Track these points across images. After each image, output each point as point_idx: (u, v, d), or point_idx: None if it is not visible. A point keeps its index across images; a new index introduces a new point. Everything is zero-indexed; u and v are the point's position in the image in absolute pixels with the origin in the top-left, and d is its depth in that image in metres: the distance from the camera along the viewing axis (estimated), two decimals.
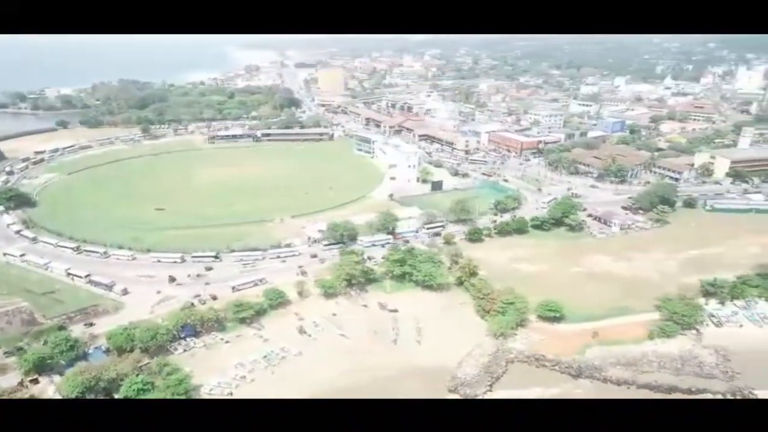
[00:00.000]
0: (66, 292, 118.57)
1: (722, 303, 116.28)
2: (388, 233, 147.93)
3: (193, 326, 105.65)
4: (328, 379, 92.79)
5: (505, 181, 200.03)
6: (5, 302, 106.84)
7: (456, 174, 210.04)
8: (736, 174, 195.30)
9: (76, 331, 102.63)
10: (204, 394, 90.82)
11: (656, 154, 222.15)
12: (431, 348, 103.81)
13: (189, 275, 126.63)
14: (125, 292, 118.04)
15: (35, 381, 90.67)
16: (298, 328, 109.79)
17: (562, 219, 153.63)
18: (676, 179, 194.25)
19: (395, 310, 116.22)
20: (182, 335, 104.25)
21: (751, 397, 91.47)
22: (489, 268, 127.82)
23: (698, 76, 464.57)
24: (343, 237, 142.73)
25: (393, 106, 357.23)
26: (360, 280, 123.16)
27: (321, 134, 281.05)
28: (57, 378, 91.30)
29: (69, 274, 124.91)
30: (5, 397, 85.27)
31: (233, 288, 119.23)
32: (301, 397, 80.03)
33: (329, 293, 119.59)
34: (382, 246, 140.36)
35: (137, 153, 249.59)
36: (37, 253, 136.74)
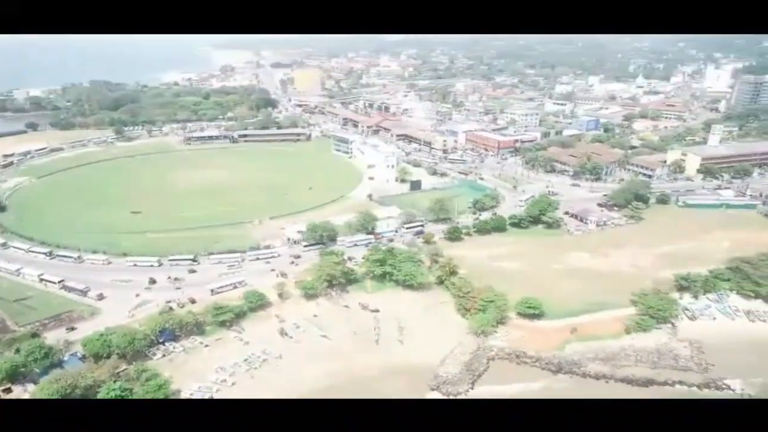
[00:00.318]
0: (39, 298, 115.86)
1: (696, 297, 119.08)
2: (368, 233, 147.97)
3: (171, 330, 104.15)
4: (311, 380, 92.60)
5: (482, 179, 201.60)
6: None
7: (434, 173, 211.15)
8: (707, 170, 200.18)
9: (51, 337, 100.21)
10: None
11: (630, 151, 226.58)
12: (413, 347, 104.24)
13: (169, 277, 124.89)
14: (101, 297, 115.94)
15: (8, 390, 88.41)
16: (279, 330, 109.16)
17: (539, 217, 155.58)
18: (650, 176, 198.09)
19: (377, 310, 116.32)
20: (161, 340, 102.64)
21: (724, 387, 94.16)
22: (469, 266, 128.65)
23: (669, 75, 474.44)
24: (322, 238, 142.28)
25: (370, 106, 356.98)
26: (341, 280, 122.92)
27: (298, 135, 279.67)
28: (31, 386, 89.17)
29: (42, 279, 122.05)
30: None
31: (212, 291, 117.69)
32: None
33: (310, 294, 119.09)
34: (366, 246, 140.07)
35: (111, 155, 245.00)
36: (7, 258, 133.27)
